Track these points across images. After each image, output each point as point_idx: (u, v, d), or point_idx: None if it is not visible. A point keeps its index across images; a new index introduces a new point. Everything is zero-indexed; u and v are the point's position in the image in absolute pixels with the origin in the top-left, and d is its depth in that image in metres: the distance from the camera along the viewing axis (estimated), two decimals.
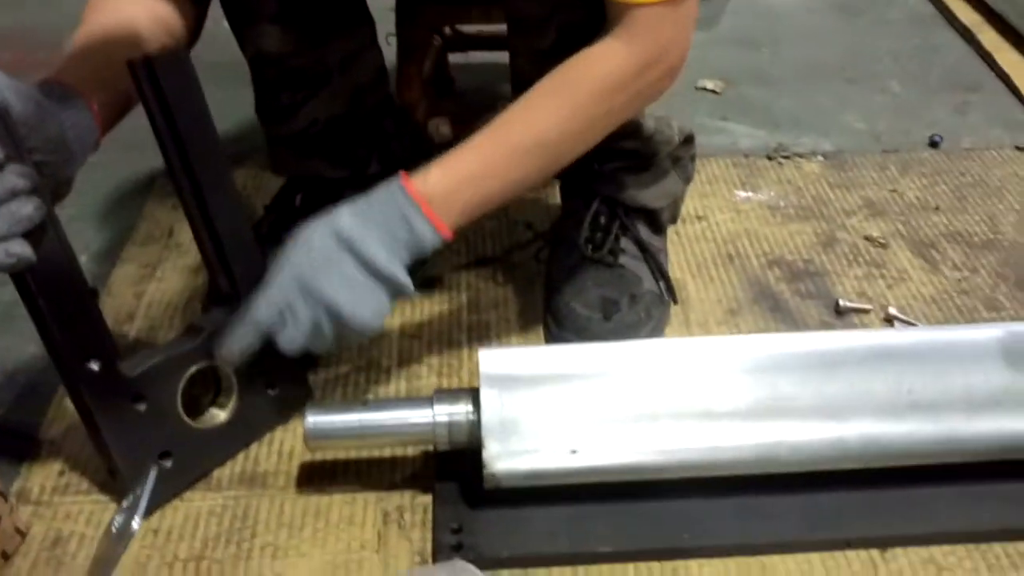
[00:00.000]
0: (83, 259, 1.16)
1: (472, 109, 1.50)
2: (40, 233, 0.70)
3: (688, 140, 1.12)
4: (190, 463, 0.87)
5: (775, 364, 0.83)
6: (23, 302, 0.76)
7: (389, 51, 1.21)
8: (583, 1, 0.85)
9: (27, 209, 0.67)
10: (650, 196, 1.08)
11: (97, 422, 0.81)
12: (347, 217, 0.81)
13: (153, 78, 0.78)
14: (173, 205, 1.29)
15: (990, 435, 0.81)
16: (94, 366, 0.79)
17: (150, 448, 0.83)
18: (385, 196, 0.82)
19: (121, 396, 0.82)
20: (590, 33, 0.85)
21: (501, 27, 1.27)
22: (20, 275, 0.74)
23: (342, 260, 0.80)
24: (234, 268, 0.86)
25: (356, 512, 0.86)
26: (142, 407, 0.82)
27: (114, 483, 0.84)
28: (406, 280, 0.82)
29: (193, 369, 0.85)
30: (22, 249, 0.68)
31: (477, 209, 0.84)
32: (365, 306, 0.80)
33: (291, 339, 0.81)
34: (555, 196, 1.22)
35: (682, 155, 1.11)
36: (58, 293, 0.76)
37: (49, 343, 0.78)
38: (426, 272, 1.10)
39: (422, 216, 0.81)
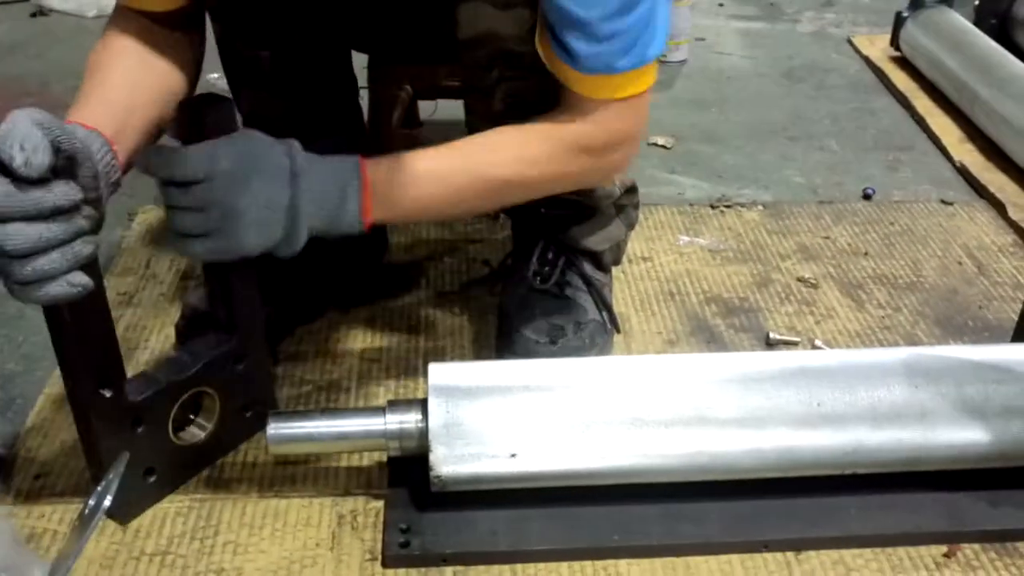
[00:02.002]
0: None
1: None
2: (92, 266, 0.76)
3: (631, 190, 1.21)
4: (170, 477, 0.93)
5: (699, 379, 0.91)
6: (50, 332, 0.81)
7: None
8: (529, 73, 0.92)
9: (88, 249, 0.74)
10: (593, 240, 1.16)
11: (98, 443, 0.86)
12: (302, 157, 0.84)
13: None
14: (149, 240, 1.37)
15: (893, 445, 0.89)
16: (106, 393, 0.84)
17: (139, 466, 0.89)
18: (339, 162, 0.86)
19: (124, 420, 0.87)
20: (539, 102, 0.92)
21: None
22: (55, 307, 0.78)
23: (278, 184, 0.82)
24: (236, 309, 0.94)
25: (313, 515, 0.92)
26: (140, 429, 0.88)
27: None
28: (302, 239, 0.84)
29: (185, 396, 0.91)
30: (83, 279, 0.74)
31: (407, 215, 0.90)
32: (259, 232, 0.82)
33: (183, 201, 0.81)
34: (509, 235, 1.31)
35: (625, 203, 1.20)
36: (87, 325, 0.81)
37: (69, 370, 0.84)
38: None
39: (357, 198, 0.85)
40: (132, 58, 0.92)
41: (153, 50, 0.92)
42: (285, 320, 1.15)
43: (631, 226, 1.23)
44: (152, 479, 0.91)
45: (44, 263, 0.71)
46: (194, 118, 0.85)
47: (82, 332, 0.81)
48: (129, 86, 0.89)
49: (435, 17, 0.99)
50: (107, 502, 0.76)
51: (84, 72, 0.90)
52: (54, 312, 0.80)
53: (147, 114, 0.89)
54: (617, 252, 1.22)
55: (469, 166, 0.91)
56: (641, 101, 0.91)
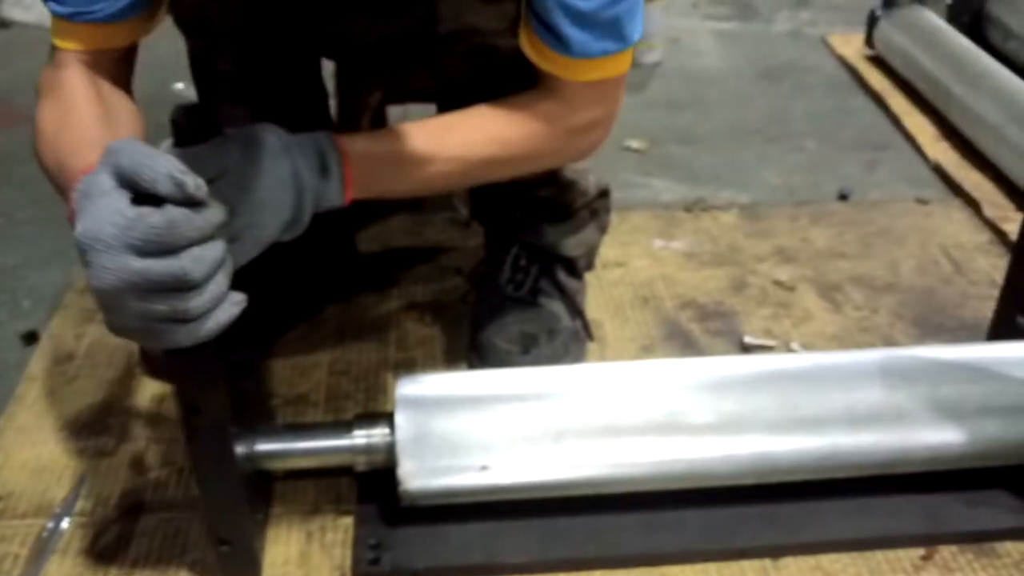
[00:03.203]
0: (25, 304, 1.23)
1: None
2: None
3: (604, 193, 1.19)
4: (263, 509, 0.91)
5: (674, 385, 0.89)
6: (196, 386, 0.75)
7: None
8: (507, 68, 0.91)
9: (230, 260, 0.71)
10: (568, 245, 1.15)
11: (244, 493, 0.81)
12: (283, 132, 0.82)
13: None
14: None
15: (869, 448, 0.88)
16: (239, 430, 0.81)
17: (255, 504, 0.87)
18: (312, 135, 0.83)
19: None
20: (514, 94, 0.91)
21: None
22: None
23: (280, 161, 0.80)
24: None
25: (281, 532, 0.90)
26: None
27: (228, 553, 0.83)
28: (308, 215, 0.81)
29: None
30: (241, 295, 0.71)
31: (382, 191, 0.88)
32: (275, 215, 0.79)
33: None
34: (481, 242, 1.29)
35: (599, 207, 1.19)
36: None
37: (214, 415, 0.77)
38: None
39: (338, 168, 0.83)
40: (93, 122, 0.85)
41: (107, 103, 0.88)
42: (254, 332, 1.13)
43: (603, 230, 1.21)
44: (260, 516, 0.88)
45: (215, 288, 0.68)
46: (187, 131, 0.83)
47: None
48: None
49: (413, 17, 0.98)
50: (65, 523, 0.74)
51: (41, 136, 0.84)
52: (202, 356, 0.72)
53: None
54: (590, 257, 1.20)
55: (444, 149, 0.89)
56: (620, 81, 0.92)
